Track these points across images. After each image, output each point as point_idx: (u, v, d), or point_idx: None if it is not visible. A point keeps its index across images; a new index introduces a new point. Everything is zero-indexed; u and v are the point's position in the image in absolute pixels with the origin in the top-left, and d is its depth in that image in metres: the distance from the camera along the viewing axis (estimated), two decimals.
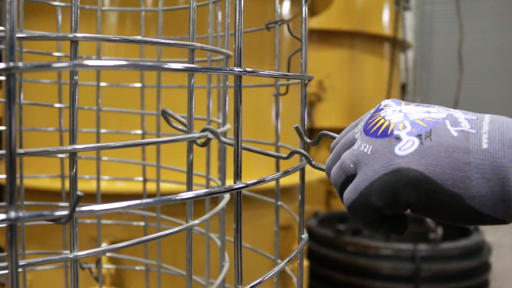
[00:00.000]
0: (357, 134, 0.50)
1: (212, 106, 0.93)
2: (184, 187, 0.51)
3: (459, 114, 0.46)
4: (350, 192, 0.47)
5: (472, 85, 6.01)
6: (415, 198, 0.43)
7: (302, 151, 0.54)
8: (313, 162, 0.55)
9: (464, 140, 0.43)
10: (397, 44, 3.88)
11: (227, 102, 0.72)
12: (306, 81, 0.56)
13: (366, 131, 0.49)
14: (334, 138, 0.56)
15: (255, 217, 1.60)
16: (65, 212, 0.26)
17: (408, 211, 0.47)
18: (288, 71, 0.74)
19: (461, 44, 3.84)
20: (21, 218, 0.25)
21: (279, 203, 0.81)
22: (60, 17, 0.93)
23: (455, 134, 0.43)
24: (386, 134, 0.46)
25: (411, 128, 0.45)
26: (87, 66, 0.30)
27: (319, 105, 3.71)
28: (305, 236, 0.56)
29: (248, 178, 0.43)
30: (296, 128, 0.54)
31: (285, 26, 0.92)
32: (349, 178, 0.48)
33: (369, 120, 0.50)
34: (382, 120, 0.48)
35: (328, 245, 2.79)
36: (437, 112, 0.46)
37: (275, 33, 0.77)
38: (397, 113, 0.48)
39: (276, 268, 0.47)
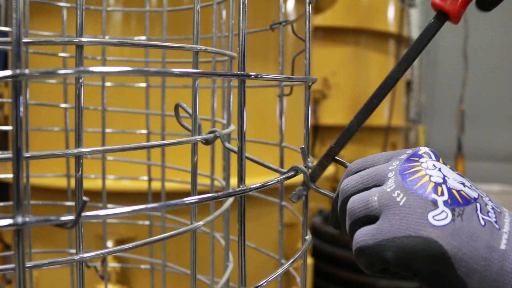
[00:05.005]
0: (391, 173, 0.48)
1: (217, 105, 0.94)
2: (189, 185, 0.51)
3: (486, 199, 0.47)
4: (367, 235, 0.45)
5: (477, 82, 5.98)
6: (427, 271, 0.43)
7: (303, 168, 0.53)
8: (312, 183, 0.54)
9: (489, 233, 0.43)
10: (402, 41, 3.87)
11: (231, 103, 0.72)
12: (310, 83, 0.57)
13: (403, 175, 0.47)
14: (342, 164, 0.55)
15: (260, 215, 1.61)
16: (71, 217, 0.26)
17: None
18: (292, 72, 0.74)
19: (466, 41, 3.82)
20: (28, 223, 0.26)
21: (283, 203, 0.81)
22: (65, 16, 0.94)
23: (483, 222, 0.44)
24: (424, 192, 0.45)
25: (448, 198, 0.45)
26: (92, 72, 0.30)
27: (324, 102, 3.71)
28: (308, 237, 0.57)
29: (252, 176, 0.44)
30: (302, 150, 0.54)
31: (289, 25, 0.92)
32: (368, 217, 0.46)
33: (407, 164, 0.48)
34: (423, 173, 0.47)
35: (333, 242, 2.79)
36: (470, 188, 0.47)
37: (279, 34, 0.77)
38: (437, 171, 0.47)
39: (279, 271, 0.47)
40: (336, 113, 3.73)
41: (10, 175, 1.25)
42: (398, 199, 0.45)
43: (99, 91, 0.96)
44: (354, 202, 0.48)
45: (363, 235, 0.46)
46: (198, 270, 0.57)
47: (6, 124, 1.79)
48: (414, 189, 0.45)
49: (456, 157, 4.27)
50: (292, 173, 0.53)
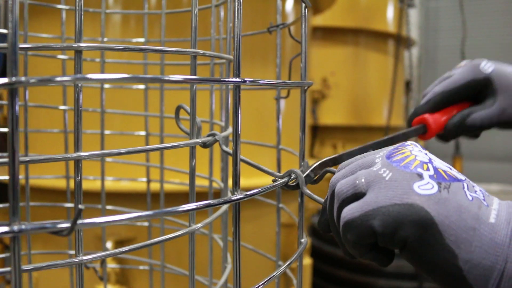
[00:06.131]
0: (378, 158, 0.49)
1: (216, 105, 0.94)
2: (188, 186, 0.51)
3: (473, 184, 0.47)
4: (354, 209, 0.45)
5: None
6: (415, 238, 0.43)
7: (299, 172, 0.54)
8: (305, 188, 0.54)
9: (476, 207, 0.43)
10: (401, 41, 3.87)
11: (229, 105, 0.72)
12: (306, 87, 0.57)
13: (389, 157, 0.48)
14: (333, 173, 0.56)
15: (259, 215, 1.61)
16: (67, 225, 0.27)
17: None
18: (289, 76, 0.75)
19: (464, 41, 3.82)
20: (24, 231, 0.26)
21: (280, 205, 0.82)
22: (64, 18, 0.94)
23: (470, 198, 0.44)
24: (409, 167, 0.46)
25: (434, 173, 0.45)
26: (90, 79, 0.31)
27: (323, 102, 3.71)
28: (304, 240, 0.57)
29: (249, 178, 0.44)
30: (305, 163, 0.55)
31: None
32: (356, 195, 0.47)
33: (394, 150, 0.49)
34: (408, 153, 0.48)
35: (332, 242, 2.80)
36: (457, 172, 0.47)
37: (277, 37, 0.77)
38: (423, 154, 0.48)
39: (273, 274, 0.47)
40: (336, 113, 3.73)
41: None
42: (384, 175, 0.46)
43: (98, 92, 0.96)
44: (342, 184, 0.48)
45: (349, 209, 0.46)
46: (197, 271, 0.57)
47: (6, 126, 1.79)
48: (400, 166, 0.46)
49: (454, 157, 4.27)
50: (288, 177, 0.53)
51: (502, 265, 0.41)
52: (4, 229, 0.26)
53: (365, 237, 0.45)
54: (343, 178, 0.50)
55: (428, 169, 0.46)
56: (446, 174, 0.46)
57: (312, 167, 0.56)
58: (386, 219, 0.43)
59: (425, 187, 0.44)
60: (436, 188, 0.44)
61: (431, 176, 0.45)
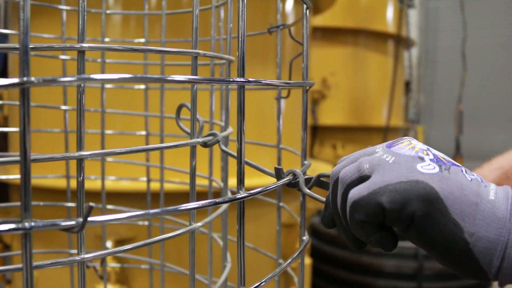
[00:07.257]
0: (378, 148, 0.51)
1: (216, 105, 0.94)
2: (188, 185, 0.52)
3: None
4: (361, 189, 0.47)
5: (476, 82, 5.98)
6: (422, 212, 0.45)
7: (299, 172, 0.54)
8: (305, 188, 0.55)
9: (476, 186, 0.46)
10: (401, 42, 3.88)
11: (229, 105, 0.73)
12: (308, 88, 0.57)
13: (390, 146, 0.50)
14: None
15: (259, 215, 1.62)
16: (77, 222, 0.27)
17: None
18: (290, 76, 0.75)
19: (464, 41, 3.83)
20: (35, 228, 0.27)
21: (281, 204, 0.82)
22: (65, 18, 0.94)
23: (469, 178, 0.47)
24: (411, 152, 0.48)
25: (434, 158, 0.48)
26: (94, 79, 0.31)
27: (323, 102, 3.72)
28: (306, 238, 0.57)
29: (250, 177, 0.44)
30: (308, 163, 0.56)
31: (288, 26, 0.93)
32: (362, 178, 0.49)
33: (393, 142, 0.52)
34: (408, 142, 0.51)
35: (332, 242, 2.80)
36: (454, 161, 0.50)
37: (277, 38, 0.78)
38: (421, 144, 0.51)
39: (276, 271, 0.48)
40: (335, 113, 3.74)
41: (11, 176, 1.26)
42: (388, 159, 0.48)
43: (99, 92, 0.97)
44: (347, 170, 0.51)
45: (357, 190, 0.48)
46: (196, 270, 0.58)
47: (6, 125, 1.80)
48: (401, 152, 0.49)
49: (454, 157, 4.28)
50: (289, 177, 0.53)
51: (506, 237, 0.43)
52: (16, 226, 0.27)
53: (374, 215, 0.46)
54: (346, 166, 0.52)
55: (428, 154, 0.48)
56: (444, 159, 0.49)
57: (310, 178, 0.57)
58: (394, 195, 0.45)
59: (428, 167, 0.46)
60: (437, 168, 0.46)
61: (431, 160, 0.48)
